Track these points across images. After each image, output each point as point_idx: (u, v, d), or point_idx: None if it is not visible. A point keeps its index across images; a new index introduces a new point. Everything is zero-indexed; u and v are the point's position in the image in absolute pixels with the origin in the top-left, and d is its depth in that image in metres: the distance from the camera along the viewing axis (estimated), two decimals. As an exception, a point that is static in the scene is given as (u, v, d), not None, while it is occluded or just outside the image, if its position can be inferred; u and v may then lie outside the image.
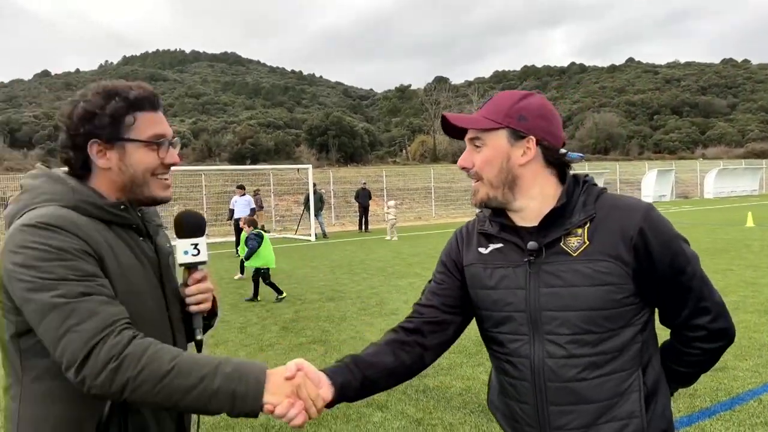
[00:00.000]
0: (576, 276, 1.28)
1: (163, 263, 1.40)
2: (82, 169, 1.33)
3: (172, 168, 1.39)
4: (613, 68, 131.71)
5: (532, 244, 1.32)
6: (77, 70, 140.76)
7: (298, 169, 24.88)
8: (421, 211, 29.69)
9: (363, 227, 21.68)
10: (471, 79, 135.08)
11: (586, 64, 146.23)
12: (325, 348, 5.94)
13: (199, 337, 1.43)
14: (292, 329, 6.79)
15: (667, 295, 1.33)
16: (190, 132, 61.93)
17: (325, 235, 19.58)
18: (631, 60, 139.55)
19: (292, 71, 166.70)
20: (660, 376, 1.38)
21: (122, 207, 1.32)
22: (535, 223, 1.34)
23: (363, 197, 21.56)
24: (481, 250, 1.42)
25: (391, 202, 19.38)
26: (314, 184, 19.68)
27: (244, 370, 1.17)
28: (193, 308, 1.41)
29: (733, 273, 8.98)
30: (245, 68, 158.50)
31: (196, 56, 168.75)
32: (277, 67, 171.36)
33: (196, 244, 1.40)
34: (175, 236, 1.44)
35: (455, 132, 1.42)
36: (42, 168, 1.35)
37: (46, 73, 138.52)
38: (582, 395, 1.29)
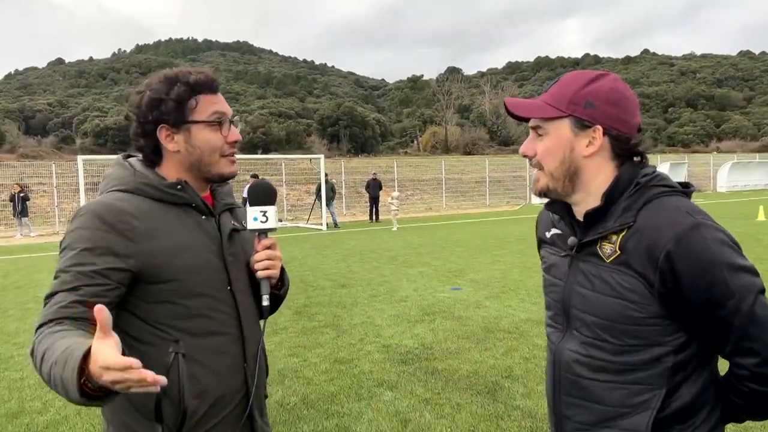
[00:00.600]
0: (601, 283, 1.22)
1: (224, 239, 1.46)
2: (153, 155, 1.43)
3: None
4: (627, 60, 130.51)
5: (572, 240, 1.30)
6: (91, 59, 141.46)
7: (310, 159, 25.09)
8: (431, 202, 29.80)
9: (373, 217, 21.86)
10: (484, 69, 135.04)
11: (601, 55, 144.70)
12: (336, 332, 6.11)
13: (265, 304, 1.47)
14: (305, 314, 6.96)
15: (703, 327, 1.18)
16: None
17: (336, 225, 19.76)
18: (646, 51, 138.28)
19: (304, 61, 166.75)
20: (698, 405, 1.23)
21: (179, 187, 1.40)
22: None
23: (373, 188, 21.71)
24: (547, 233, 1.43)
25: (395, 193, 19.55)
26: (326, 174, 19.87)
27: (70, 355, 1.06)
28: (260, 274, 1.45)
29: (742, 266, 9.02)
30: (257, 57, 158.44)
31: (209, 45, 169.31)
32: (289, 57, 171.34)
33: (265, 212, 1.46)
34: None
35: (519, 116, 1.32)
36: (119, 157, 1.48)
37: (60, 61, 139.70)
38: (591, 393, 1.27)
